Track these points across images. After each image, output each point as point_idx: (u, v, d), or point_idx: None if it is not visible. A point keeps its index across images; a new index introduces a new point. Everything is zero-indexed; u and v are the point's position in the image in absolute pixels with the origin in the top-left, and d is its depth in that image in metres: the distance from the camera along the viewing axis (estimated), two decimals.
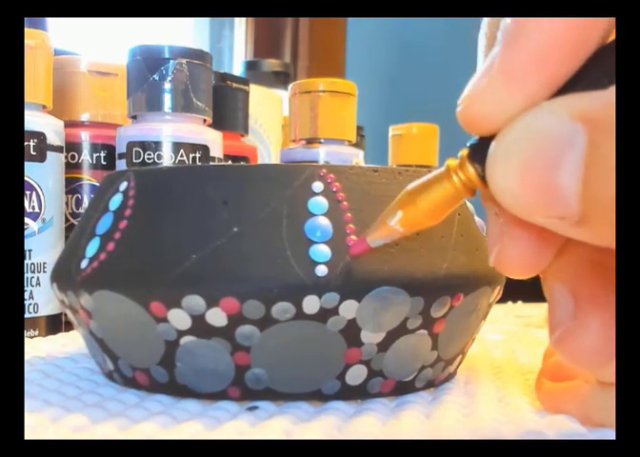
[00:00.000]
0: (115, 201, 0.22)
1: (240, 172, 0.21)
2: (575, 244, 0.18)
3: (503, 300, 0.56)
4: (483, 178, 0.16)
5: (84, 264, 0.22)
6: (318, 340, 0.20)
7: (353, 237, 0.20)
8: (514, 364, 0.28)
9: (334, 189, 0.21)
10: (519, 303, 0.56)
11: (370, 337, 0.21)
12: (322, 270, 0.20)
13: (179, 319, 0.20)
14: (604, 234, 0.15)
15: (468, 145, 0.17)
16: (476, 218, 0.25)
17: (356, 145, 0.50)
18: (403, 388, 0.22)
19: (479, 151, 0.16)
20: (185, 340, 0.21)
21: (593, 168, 0.14)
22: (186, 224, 0.21)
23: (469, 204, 0.25)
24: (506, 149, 0.15)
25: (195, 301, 0.20)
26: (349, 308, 0.20)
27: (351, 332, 0.20)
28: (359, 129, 0.58)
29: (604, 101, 0.14)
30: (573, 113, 0.15)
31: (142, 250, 0.21)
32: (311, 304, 0.20)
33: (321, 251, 0.20)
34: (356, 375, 0.21)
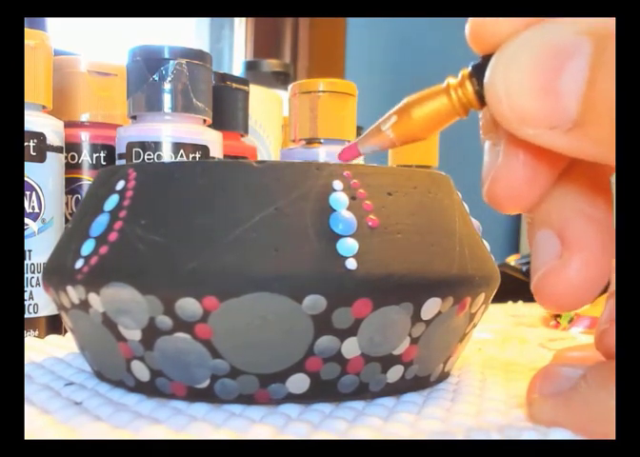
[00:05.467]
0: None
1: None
2: (566, 194, 0.18)
3: (504, 300, 0.56)
4: (480, 97, 0.17)
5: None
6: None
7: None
8: (503, 362, 0.28)
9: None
10: (519, 302, 0.56)
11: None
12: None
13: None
14: (600, 137, 0.15)
15: (470, 65, 0.17)
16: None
17: None
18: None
19: (480, 70, 0.17)
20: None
21: (599, 69, 0.14)
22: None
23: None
24: (509, 54, 0.16)
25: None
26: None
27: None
28: (359, 129, 0.58)
29: (609, 21, 0.15)
30: (579, 29, 0.15)
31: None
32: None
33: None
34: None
